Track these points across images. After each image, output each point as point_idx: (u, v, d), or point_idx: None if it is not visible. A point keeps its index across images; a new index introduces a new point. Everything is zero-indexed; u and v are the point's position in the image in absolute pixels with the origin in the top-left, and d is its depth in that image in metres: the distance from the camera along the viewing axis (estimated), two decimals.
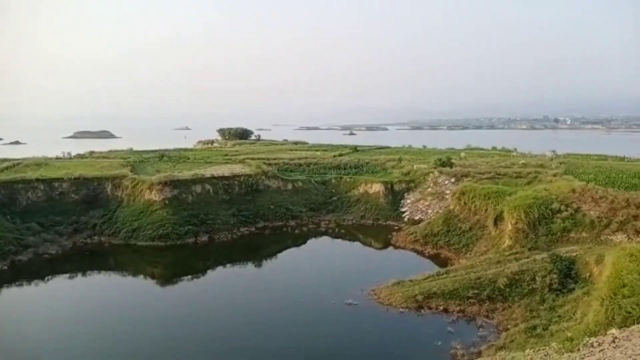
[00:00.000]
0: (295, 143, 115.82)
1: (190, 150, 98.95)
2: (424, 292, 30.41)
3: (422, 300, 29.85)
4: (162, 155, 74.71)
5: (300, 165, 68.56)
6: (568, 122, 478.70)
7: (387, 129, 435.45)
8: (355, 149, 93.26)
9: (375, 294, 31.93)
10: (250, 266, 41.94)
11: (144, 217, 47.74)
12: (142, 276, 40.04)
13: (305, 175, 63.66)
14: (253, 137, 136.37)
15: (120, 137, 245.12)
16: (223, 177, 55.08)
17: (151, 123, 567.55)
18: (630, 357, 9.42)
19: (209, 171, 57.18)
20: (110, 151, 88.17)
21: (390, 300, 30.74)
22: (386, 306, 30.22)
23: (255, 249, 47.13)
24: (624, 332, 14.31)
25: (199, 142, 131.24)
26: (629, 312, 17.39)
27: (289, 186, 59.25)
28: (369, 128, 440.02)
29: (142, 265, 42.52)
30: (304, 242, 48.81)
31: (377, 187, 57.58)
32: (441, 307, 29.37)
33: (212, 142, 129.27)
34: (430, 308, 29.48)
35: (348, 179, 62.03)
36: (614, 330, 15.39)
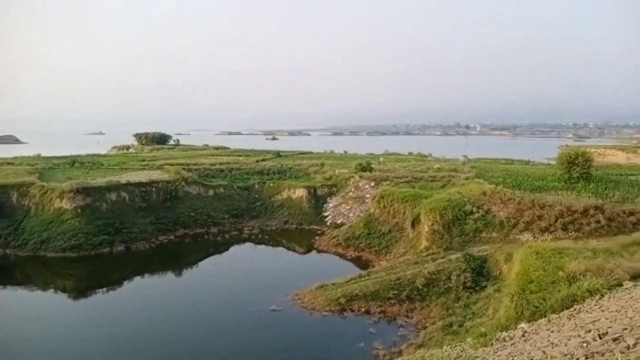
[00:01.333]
0: (217, 148, 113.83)
1: (105, 156, 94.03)
2: (347, 295, 30.89)
3: (344, 303, 30.31)
4: (73, 162, 70.34)
5: (222, 170, 67.31)
6: (478, 129, 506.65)
7: (309, 135, 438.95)
8: (278, 154, 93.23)
9: (299, 299, 31.99)
10: (170, 276, 40.51)
11: (54, 227, 44.72)
12: (52, 290, 37.37)
13: (228, 180, 62.59)
14: (172, 142, 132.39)
15: (27, 143, 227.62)
16: (140, 184, 52.85)
17: (61, 127, 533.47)
18: (539, 349, 10.06)
19: (125, 178, 54.64)
20: (15, 157, 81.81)
21: (314, 304, 30.92)
22: (310, 310, 30.36)
23: (175, 257, 45.61)
24: (532, 326, 15.29)
25: (114, 147, 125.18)
26: (537, 307, 18.56)
27: (210, 192, 58.02)
28: (292, 133, 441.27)
29: (52, 278, 39.65)
30: (227, 249, 47.91)
31: (300, 192, 57.83)
32: (363, 309, 29.98)
33: (128, 147, 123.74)
34: (352, 310, 29.98)
35: (271, 184, 61.79)
36: (523, 325, 16.43)
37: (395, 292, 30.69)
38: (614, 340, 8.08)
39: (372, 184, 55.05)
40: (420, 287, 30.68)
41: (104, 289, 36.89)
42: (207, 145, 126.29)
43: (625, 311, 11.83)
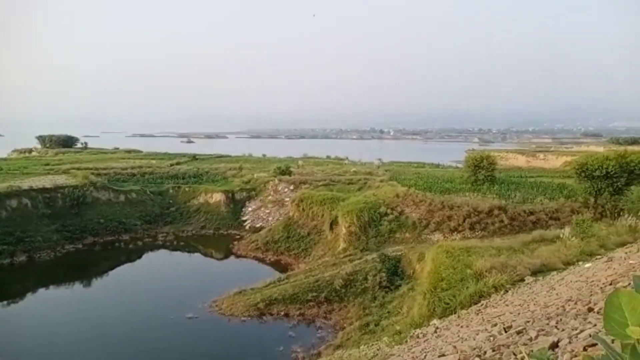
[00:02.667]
0: (128, 151, 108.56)
1: (4, 159, 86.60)
2: (266, 299, 30.70)
3: (264, 308, 30.12)
4: None
5: (134, 174, 64.31)
6: (392, 134, 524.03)
7: (227, 137, 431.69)
8: (194, 157, 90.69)
9: (216, 305, 31.30)
10: (78, 286, 38.01)
11: None
12: None
13: (140, 185, 59.91)
14: (79, 145, 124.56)
15: None
16: (44, 190, 49.14)
17: None
18: (450, 344, 10.49)
19: (27, 183, 50.56)
20: None
21: (232, 310, 30.41)
22: (228, 316, 29.81)
23: (83, 267, 42.88)
24: (444, 322, 15.96)
25: (15, 150, 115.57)
26: (447, 304, 19.45)
27: (122, 197, 55.26)
28: (208, 136, 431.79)
29: None
30: (139, 257, 45.78)
31: (217, 197, 56.68)
32: (282, 313, 29.94)
33: (30, 150, 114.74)
34: (272, 314, 29.84)
35: (187, 189, 60.00)
36: (435, 321, 17.12)
37: (314, 294, 30.94)
38: (518, 333, 8.58)
39: (291, 187, 55.20)
40: (338, 288, 31.16)
41: (5, 302, 33.90)
42: (117, 148, 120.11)
43: (528, 305, 12.66)
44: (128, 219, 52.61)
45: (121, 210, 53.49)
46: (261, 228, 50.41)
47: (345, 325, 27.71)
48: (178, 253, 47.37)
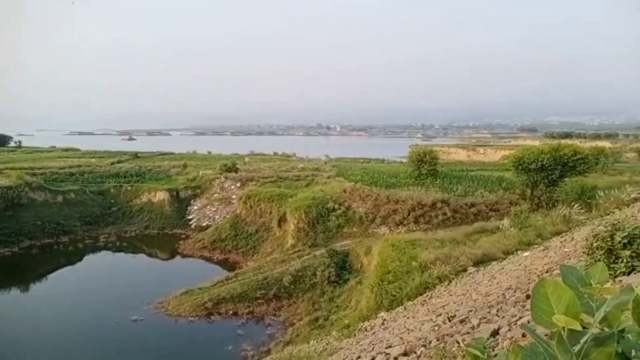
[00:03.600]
0: (66, 150, 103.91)
1: None
2: (214, 299, 30.32)
3: (211, 307, 29.72)
4: None
5: (72, 174, 61.57)
6: (338, 130, 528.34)
7: (170, 135, 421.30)
8: (135, 155, 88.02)
9: (163, 307, 30.57)
10: (14, 292, 36.02)
11: None
12: None
13: (79, 185, 57.43)
14: (12, 144, 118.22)
15: None
16: None
17: None
18: (397, 335, 10.73)
19: None
20: None
21: (179, 310, 29.82)
22: (175, 317, 29.19)
23: (20, 271, 40.68)
24: (391, 314, 16.30)
25: None
26: (394, 296, 19.88)
27: (59, 198, 52.84)
28: (150, 133, 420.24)
29: None
30: (80, 260, 43.91)
31: (161, 195, 55.26)
32: (231, 311, 29.65)
33: None
34: (220, 314, 29.49)
35: (129, 188, 58.09)
36: (383, 313, 17.46)
37: (263, 291, 30.84)
38: (461, 322, 8.89)
39: (238, 184, 54.62)
40: (287, 284, 31.18)
41: None
42: (54, 147, 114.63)
43: (470, 294, 13.15)
44: (67, 220, 50.37)
45: (59, 211, 51.16)
46: (208, 226, 49.63)
47: (294, 321, 27.78)
48: (121, 254, 45.85)
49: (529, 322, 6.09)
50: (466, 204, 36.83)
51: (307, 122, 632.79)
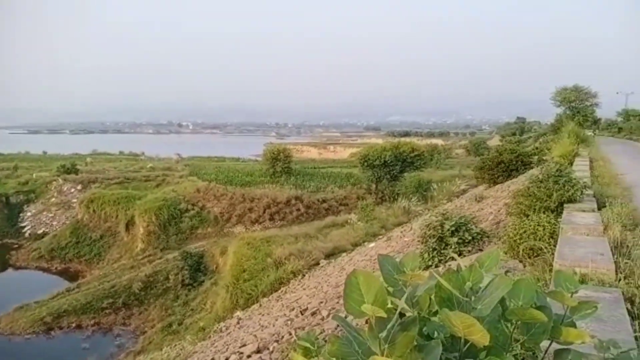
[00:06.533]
0: None
1: None
2: (53, 312, 27.58)
3: (51, 321, 27.00)
4: None
5: None
6: (190, 127, 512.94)
7: None
8: None
9: None
10: None
11: None
12: None
13: None
14: None
15: None
16: None
17: None
18: (251, 333, 10.75)
19: None
20: None
21: (13, 328, 26.60)
22: (8, 336, 26.00)
23: None
24: (246, 313, 16.30)
25: None
26: (250, 294, 19.94)
27: None
28: None
29: None
30: None
31: None
32: (74, 324, 27.28)
33: None
34: (61, 328, 26.94)
35: None
36: (238, 313, 17.39)
37: (110, 300, 28.86)
38: (313, 314, 9.20)
39: (79, 187, 50.28)
40: (137, 291, 29.59)
41: None
42: None
43: (322, 287, 13.67)
44: None
45: None
46: (45, 234, 44.90)
47: (146, 329, 26.47)
48: None
49: (331, 316, 6.50)
50: (318, 200, 38.34)
51: (156, 119, 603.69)
